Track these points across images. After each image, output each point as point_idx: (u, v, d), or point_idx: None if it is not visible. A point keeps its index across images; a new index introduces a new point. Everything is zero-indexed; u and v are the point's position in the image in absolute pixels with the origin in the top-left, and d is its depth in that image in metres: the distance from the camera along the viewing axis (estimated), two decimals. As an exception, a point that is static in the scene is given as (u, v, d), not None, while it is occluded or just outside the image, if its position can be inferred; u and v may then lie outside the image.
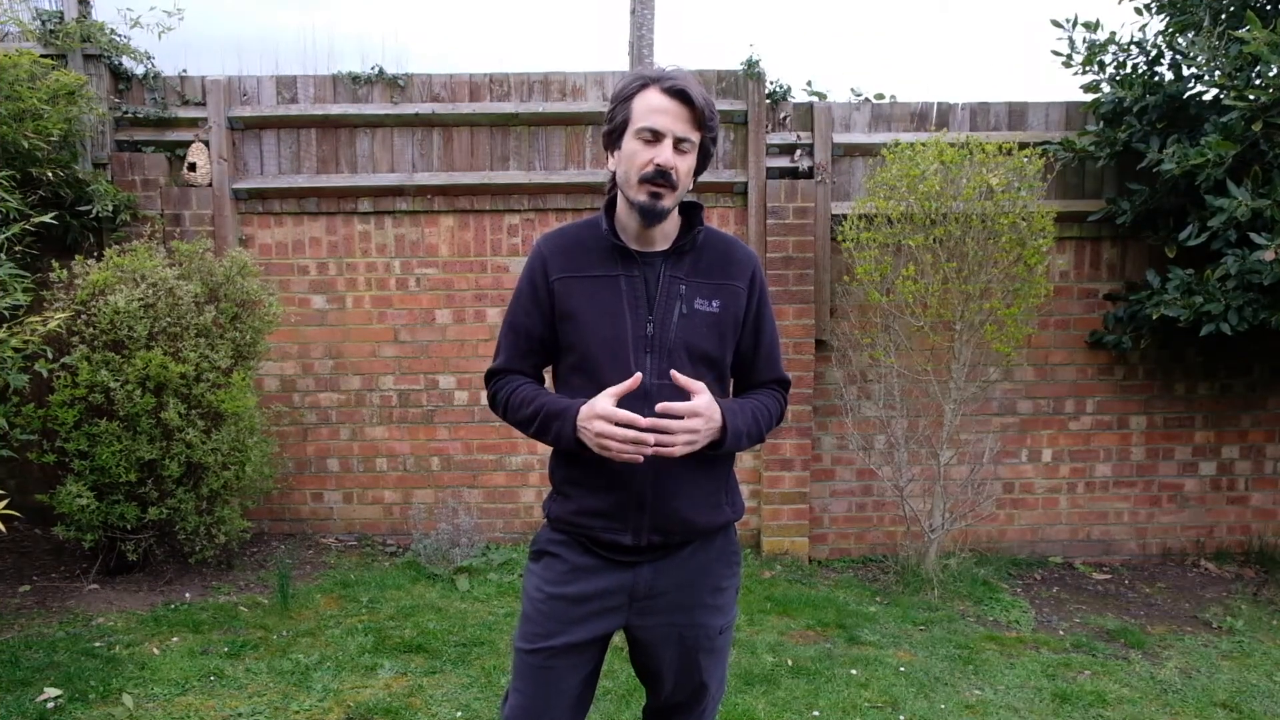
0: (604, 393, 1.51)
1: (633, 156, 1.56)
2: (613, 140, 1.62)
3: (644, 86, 1.56)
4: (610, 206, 1.67)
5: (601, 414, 1.49)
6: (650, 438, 1.48)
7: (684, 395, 1.58)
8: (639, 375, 1.51)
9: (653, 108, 1.54)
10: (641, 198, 1.56)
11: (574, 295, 1.63)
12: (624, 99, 1.58)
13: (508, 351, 1.72)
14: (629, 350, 1.59)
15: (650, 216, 1.57)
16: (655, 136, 1.54)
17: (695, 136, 1.56)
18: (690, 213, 1.68)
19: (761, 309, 1.72)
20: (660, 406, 1.49)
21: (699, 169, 1.64)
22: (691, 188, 1.65)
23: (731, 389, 1.79)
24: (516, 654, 1.68)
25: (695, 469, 1.60)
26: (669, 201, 1.57)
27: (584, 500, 1.64)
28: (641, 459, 1.50)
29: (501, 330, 1.74)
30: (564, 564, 1.66)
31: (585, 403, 1.54)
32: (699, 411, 1.51)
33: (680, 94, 1.53)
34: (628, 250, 1.63)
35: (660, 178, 1.53)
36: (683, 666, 1.71)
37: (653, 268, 1.63)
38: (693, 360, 1.61)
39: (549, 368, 1.76)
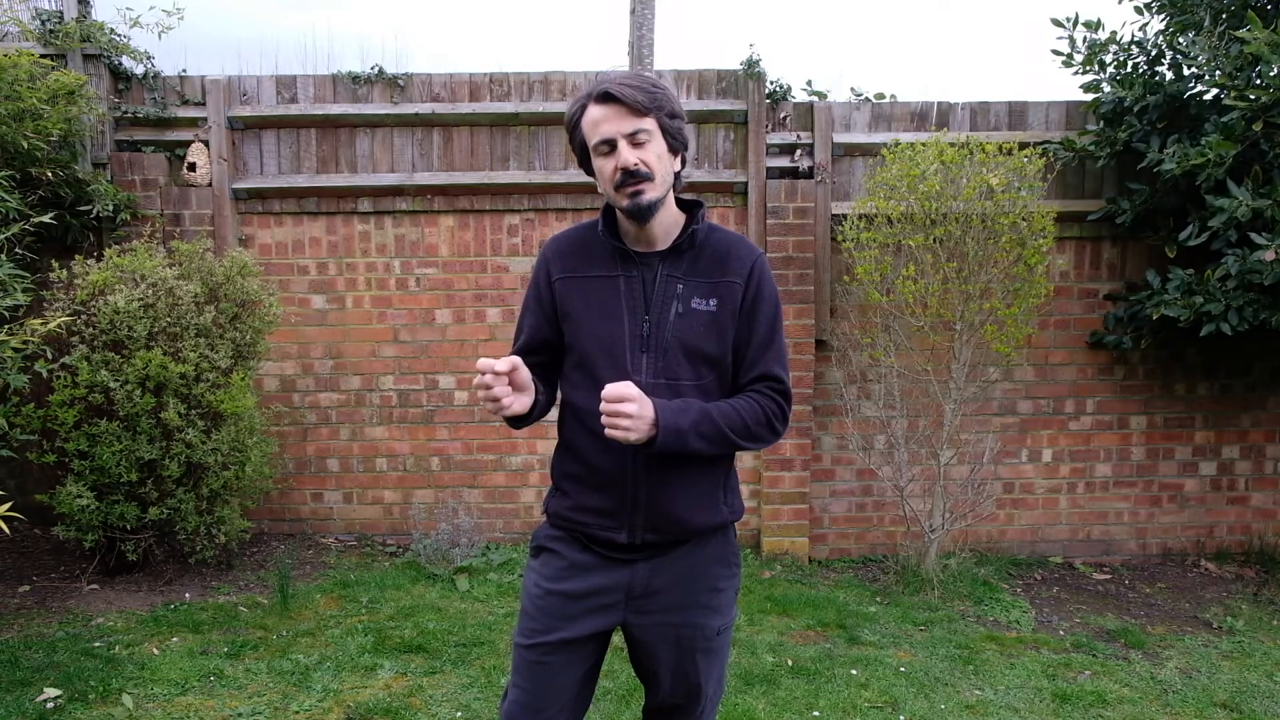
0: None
1: (602, 173, 1.59)
2: (586, 167, 1.64)
3: (583, 108, 1.58)
4: (610, 209, 1.67)
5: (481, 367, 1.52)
6: (488, 378, 1.49)
7: (676, 393, 1.59)
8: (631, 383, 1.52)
9: (593, 121, 1.56)
10: (624, 203, 1.57)
11: (574, 296, 1.64)
12: (574, 126, 1.61)
13: (515, 349, 1.75)
14: (625, 349, 1.60)
15: (639, 215, 1.58)
16: (609, 146, 1.56)
17: (646, 123, 1.55)
18: (690, 211, 1.68)
19: (756, 304, 1.66)
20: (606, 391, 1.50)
21: (675, 149, 1.61)
22: (679, 169, 1.64)
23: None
24: (515, 649, 1.69)
25: (691, 468, 1.61)
26: (652, 193, 1.56)
27: (580, 497, 1.65)
28: (500, 416, 1.55)
29: (516, 329, 1.79)
30: (562, 560, 1.67)
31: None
32: (630, 396, 1.48)
33: (606, 97, 1.54)
34: (627, 251, 1.64)
35: (630, 178, 1.54)
36: (679, 666, 1.71)
37: (650, 267, 1.64)
38: (689, 359, 1.61)
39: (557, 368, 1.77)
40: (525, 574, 1.75)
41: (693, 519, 1.65)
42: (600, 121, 1.55)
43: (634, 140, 1.55)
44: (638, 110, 1.54)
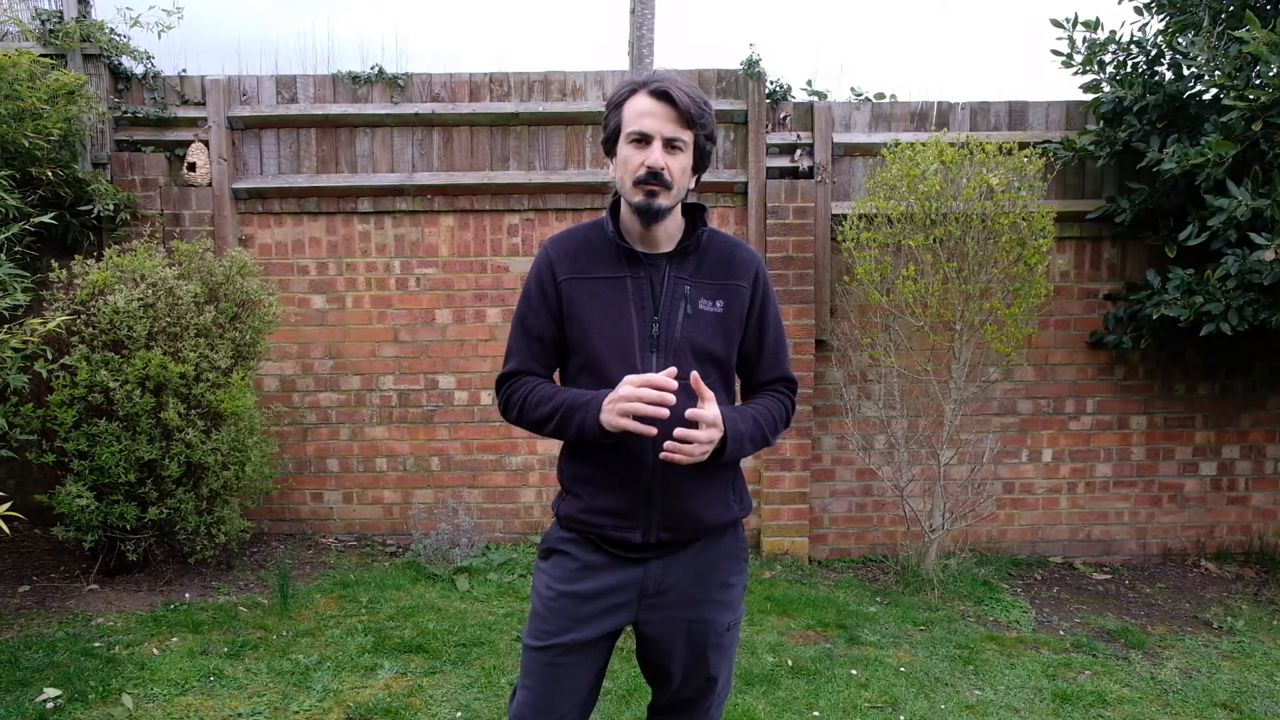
0: (631, 376, 1.53)
1: (626, 161, 1.59)
2: (610, 147, 1.65)
3: (632, 92, 1.59)
4: (615, 209, 1.68)
5: (629, 380, 1.51)
6: (670, 398, 1.49)
7: (685, 393, 1.59)
8: (673, 369, 1.52)
9: (639, 111, 1.56)
10: (637, 199, 1.58)
11: (580, 296, 1.64)
12: (615, 106, 1.61)
13: (520, 354, 1.72)
14: (635, 350, 1.61)
15: (647, 216, 1.59)
16: (643, 139, 1.56)
17: (685, 135, 1.57)
18: (694, 214, 1.69)
19: (765, 308, 1.72)
20: (690, 413, 1.51)
21: (698, 168, 1.65)
22: (693, 186, 1.66)
23: (739, 389, 1.80)
24: (526, 651, 1.69)
25: (705, 467, 1.61)
26: (664, 200, 1.58)
27: (594, 499, 1.65)
28: (655, 430, 1.50)
29: (511, 333, 1.74)
30: (574, 562, 1.68)
31: (610, 391, 1.56)
32: (715, 422, 1.53)
33: (664, 95, 1.55)
34: (633, 252, 1.65)
35: (652, 178, 1.55)
36: (691, 662, 1.72)
37: (657, 269, 1.65)
38: (698, 359, 1.63)
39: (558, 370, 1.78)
40: (535, 576, 1.75)
41: (707, 516, 1.66)
42: (645, 114, 1.56)
43: (670, 145, 1.56)
44: (685, 120, 1.55)
